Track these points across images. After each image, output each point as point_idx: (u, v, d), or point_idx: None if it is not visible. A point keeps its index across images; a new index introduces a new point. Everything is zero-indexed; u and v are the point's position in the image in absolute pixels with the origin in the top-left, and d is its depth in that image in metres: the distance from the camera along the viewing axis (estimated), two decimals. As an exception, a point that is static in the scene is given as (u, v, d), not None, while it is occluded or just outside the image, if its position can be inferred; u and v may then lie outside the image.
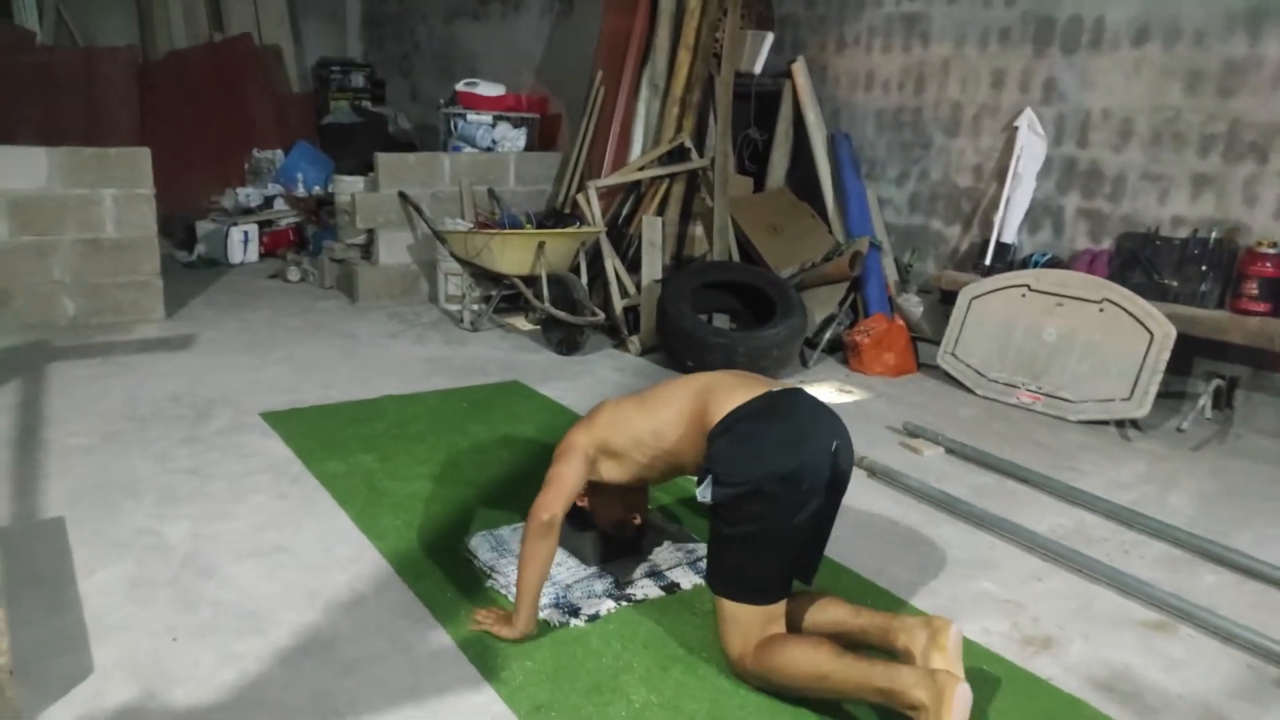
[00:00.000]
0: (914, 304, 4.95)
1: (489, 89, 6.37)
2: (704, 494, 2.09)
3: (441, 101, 6.56)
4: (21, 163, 4.60)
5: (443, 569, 2.52)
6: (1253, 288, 3.84)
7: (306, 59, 9.15)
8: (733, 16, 5.29)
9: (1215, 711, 2.08)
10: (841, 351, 4.83)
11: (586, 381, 4.28)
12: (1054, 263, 4.49)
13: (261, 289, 5.91)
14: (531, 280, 4.78)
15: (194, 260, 6.53)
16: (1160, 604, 2.48)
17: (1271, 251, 3.80)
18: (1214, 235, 4.01)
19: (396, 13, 9.08)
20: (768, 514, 2.01)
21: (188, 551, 2.56)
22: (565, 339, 4.67)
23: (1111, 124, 4.32)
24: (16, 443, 3.25)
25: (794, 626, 2.12)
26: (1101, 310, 4.09)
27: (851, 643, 2.04)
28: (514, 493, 3.00)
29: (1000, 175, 4.70)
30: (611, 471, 2.32)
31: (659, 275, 4.93)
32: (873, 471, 3.31)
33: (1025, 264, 4.57)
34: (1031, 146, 4.58)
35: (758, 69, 5.48)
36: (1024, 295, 4.34)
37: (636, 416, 2.28)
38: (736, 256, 5.16)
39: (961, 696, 1.79)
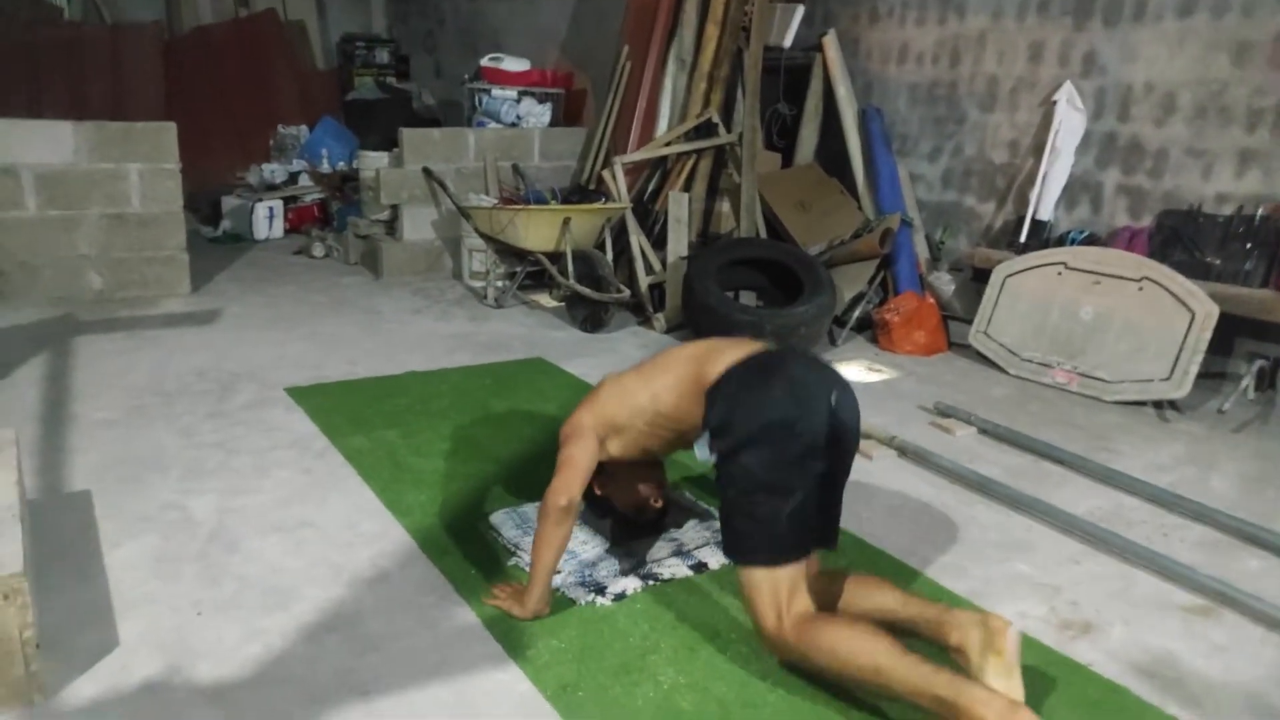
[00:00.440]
0: (945, 282, 4.86)
1: (514, 64, 6.30)
2: (701, 450, 2.06)
3: (466, 77, 6.50)
4: (48, 137, 4.60)
5: (466, 545, 2.49)
6: (1300, 266, 3.72)
7: (331, 35, 9.12)
8: (762, -12, 5.18)
9: (1261, 700, 2.02)
10: (871, 330, 4.75)
11: (610, 359, 4.23)
12: (1091, 240, 4.38)
13: (286, 265, 5.91)
14: (556, 257, 4.73)
15: (219, 236, 6.54)
16: (1202, 588, 2.41)
17: (1320, 228, 3.67)
18: (1260, 212, 3.88)
19: (421, -13, 9.01)
20: (767, 465, 1.96)
21: (213, 526, 2.55)
22: (590, 316, 4.62)
23: (1154, 98, 4.19)
24: (43, 417, 3.26)
25: (833, 606, 2.06)
26: (1141, 289, 3.98)
27: (897, 632, 1.95)
28: (537, 470, 2.95)
29: (1037, 151, 4.58)
30: (619, 447, 2.28)
31: (685, 252, 4.86)
32: (904, 451, 3.24)
33: (1061, 241, 4.46)
34: (1070, 121, 4.45)
35: (787, 43, 5.37)
36: (1060, 273, 4.24)
37: (636, 386, 2.26)
38: (764, 233, 5.08)
39: None
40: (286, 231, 6.68)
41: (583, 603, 2.23)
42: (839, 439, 2.03)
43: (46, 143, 4.59)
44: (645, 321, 4.83)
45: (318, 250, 6.13)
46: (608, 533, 2.52)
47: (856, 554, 2.55)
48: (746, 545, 2.01)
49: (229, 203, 6.71)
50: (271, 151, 7.53)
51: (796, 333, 4.26)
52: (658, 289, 4.89)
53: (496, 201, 5.20)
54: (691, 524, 2.64)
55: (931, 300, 4.67)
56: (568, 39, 7.11)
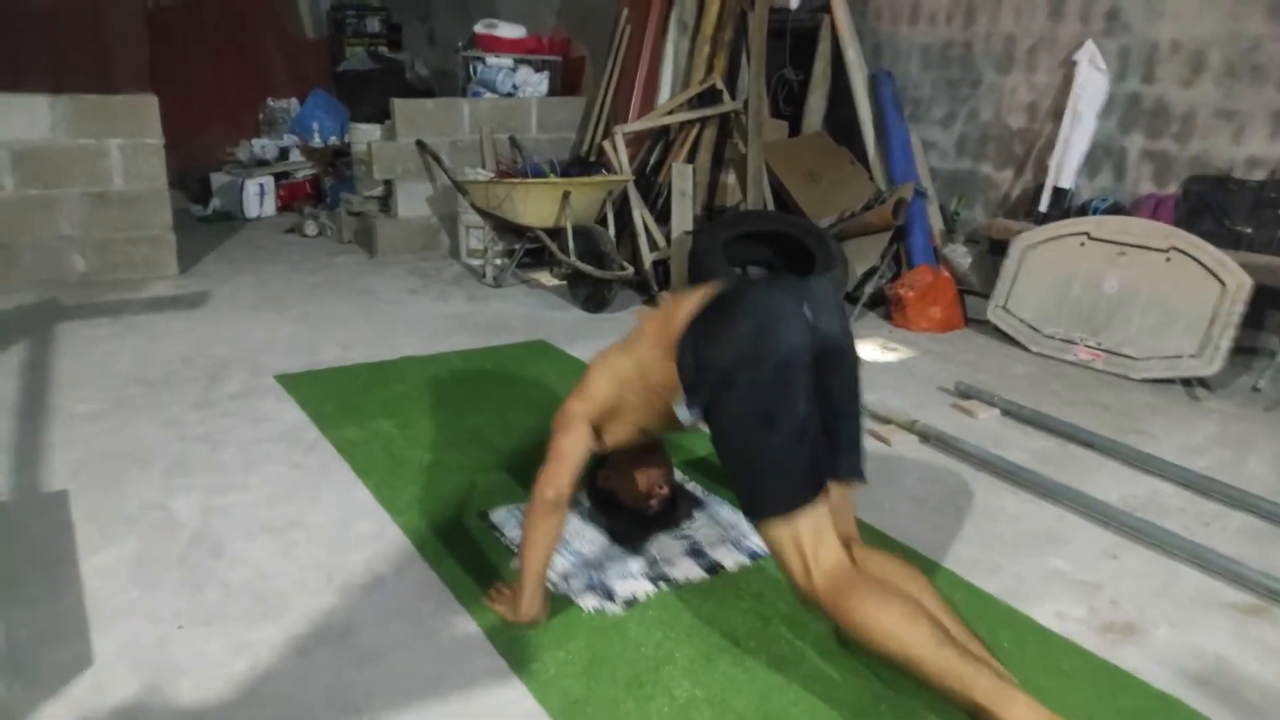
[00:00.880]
0: (961, 254, 4.68)
1: (509, 30, 6.07)
2: (683, 412, 1.92)
3: (460, 45, 6.28)
4: (24, 112, 4.41)
5: (467, 546, 2.34)
6: (1338, 234, 3.54)
7: (321, 2, 8.84)
8: (767, -53, 4.95)
9: (1324, 709, 1.88)
10: (884, 306, 4.58)
11: (615, 340, 4.06)
12: (1115, 209, 4.19)
13: (278, 243, 5.73)
14: (556, 233, 4.55)
15: (209, 214, 6.35)
16: (1251, 584, 2.26)
17: (1361, 194, 3.49)
18: (1295, 177, 3.70)
19: (412, -47, 8.72)
20: (749, 403, 1.82)
21: (197, 527, 2.40)
22: (592, 295, 4.45)
23: (1181, 56, 3.98)
24: (21, 410, 3.10)
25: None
26: (1168, 259, 3.80)
27: None
28: (539, 461, 2.80)
29: (1057, 115, 4.38)
30: (616, 431, 2.12)
31: (690, 226, 4.68)
32: (925, 437, 3.09)
33: (1084, 210, 4.27)
34: (1092, 83, 4.25)
35: (794, 4, 5.15)
36: (1083, 244, 4.06)
37: (620, 359, 2.13)
38: (771, 205, 4.89)
39: None
40: (278, 209, 6.49)
41: (591, 609, 2.09)
42: (825, 352, 1.88)
43: (22, 117, 4.40)
44: (650, 300, 4.66)
45: (310, 228, 5.94)
46: (614, 529, 2.37)
47: (879, 546, 2.40)
48: (755, 502, 1.89)
49: (218, 179, 6.51)
50: (261, 126, 7.32)
51: (808, 310, 4.08)
52: (662, 265, 4.72)
53: (493, 175, 5.01)
54: (703, 518, 2.49)
55: (947, 274, 4.49)
56: (564, 4, 6.87)
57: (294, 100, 7.41)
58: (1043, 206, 4.40)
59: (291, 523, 2.44)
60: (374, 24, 8.59)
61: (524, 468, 2.77)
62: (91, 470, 2.68)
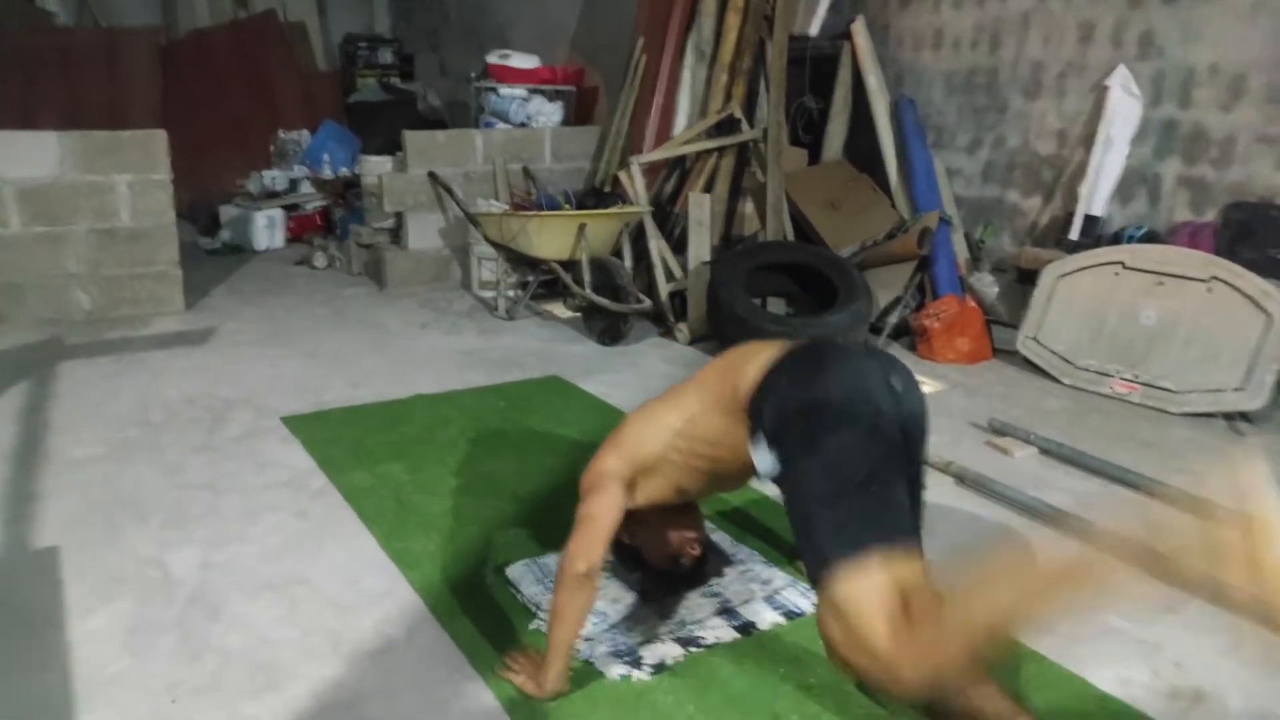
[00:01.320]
0: (988, 284, 4.53)
1: (522, 60, 6.00)
2: (763, 460, 1.78)
3: (472, 75, 6.21)
4: (31, 149, 4.33)
5: (481, 605, 2.19)
6: (1390, 263, 3.38)
7: (332, 35, 8.84)
8: (785, -27, 4.87)
9: None
10: (909, 337, 4.43)
11: (632, 375, 3.94)
12: (1150, 237, 4.04)
13: (287, 276, 5.64)
14: (571, 265, 4.44)
15: (218, 247, 6.28)
16: (1325, 645, 2.09)
17: None
18: (1341, 203, 3.54)
19: (425, -16, 8.72)
20: (846, 450, 1.67)
21: (195, 586, 2.26)
22: (608, 328, 4.32)
23: (1220, 80, 3.85)
24: (16, 456, 2.98)
25: None
26: (1209, 289, 3.65)
27: None
28: (558, 508, 2.65)
29: (1087, 141, 4.25)
30: (651, 490, 2.00)
31: (708, 257, 4.55)
32: (962, 479, 2.93)
33: (1117, 239, 4.12)
34: (1124, 108, 4.11)
35: (813, 31, 5.05)
36: (1118, 273, 3.91)
37: (663, 410, 2.01)
38: (791, 235, 4.76)
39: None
40: (288, 241, 6.41)
41: (617, 677, 1.93)
42: (907, 427, 1.78)
43: (29, 155, 4.32)
44: (667, 332, 4.53)
45: (320, 260, 5.85)
46: (639, 587, 2.23)
47: (922, 606, 2.24)
48: (840, 536, 1.62)
49: (228, 212, 6.45)
50: (272, 157, 7.26)
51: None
52: (679, 297, 4.59)
53: (507, 207, 4.90)
54: (733, 573, 2.34)
55: (973, 304, 4.34)
56: (578, 33, 6.81)
57: (305, 132, 7.36)
58: (1073, 234, 4.25)
59: (295, 579, 2.30)
60: (386, 55, 8.57)
61: (541, 514, 2.64)
62: (85, 523, 2.55)
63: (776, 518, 2.65)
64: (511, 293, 4.84)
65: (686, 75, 5.16)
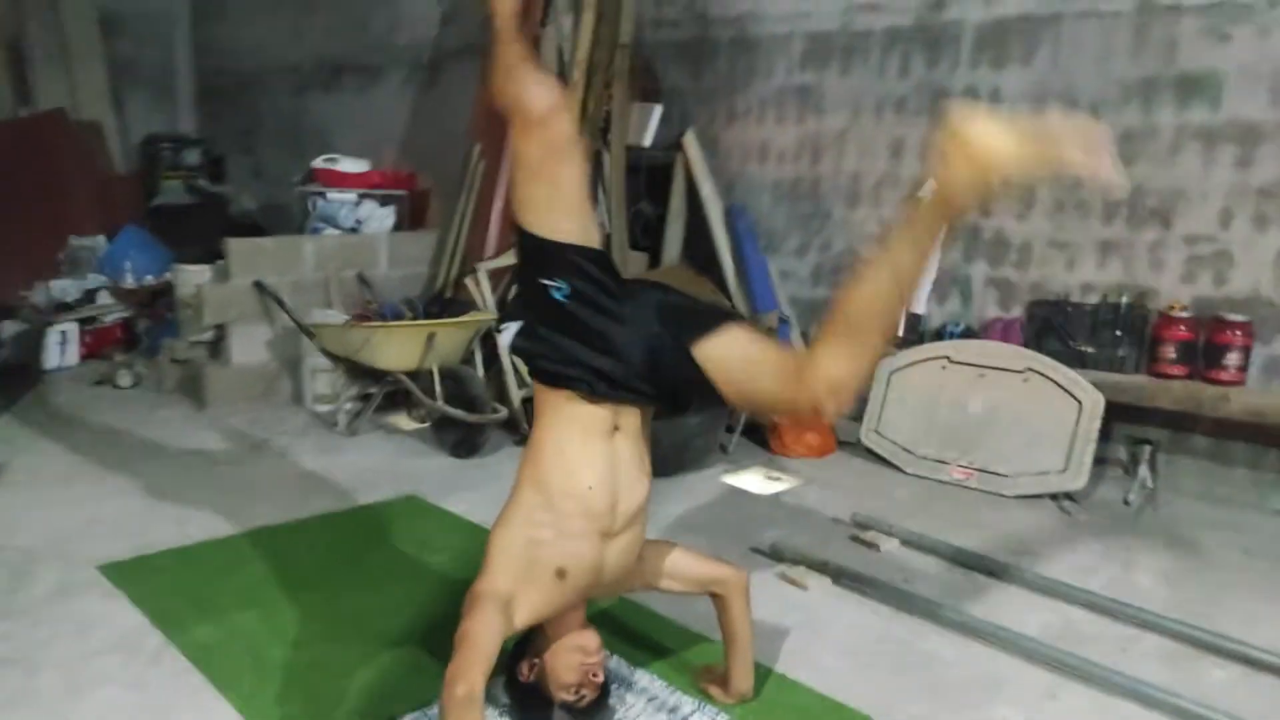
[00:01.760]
0: (827, 380, 4.75)
1: (351, 165, 5.84)
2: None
3: (297, 179, 5.97)
4: None
5: (370, 773, 1.97)
6: (1170, 351, 3.84)
7: (131, 135, 8.28)
8: (619, 89, 5.05)
9: None
10: (759, 433, 4.55)
11: (494, 489, 3.73)
12: (968, 333, 4.40)
13: (86, 398, 5.07)
14: (417, 375, 4.26)
15: (-1, 367, 5.57)
16: (1187, 716, 2.25)
17: (1184, 315, 3.81)
18: (1124, 300, 4.00)
19: (235, 85, 8.39)
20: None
21: (12, 790, 1.90)
22: (463, 440, 4.15)
23: (1014, 193, 4.30)
24: None
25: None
26: (1025, 380, 4.00)
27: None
28: (441, 647, 2.45)
29: (905, 245, 4.60)
30: (535, 597, 1.90)
31: (559, 363, 4.51)
32: (838, 577, 2.98)
33: (939, 335, 4.46)
34: (935, 216, 4.50)
35: (647, 142, 5.24)
36: (944, 367, 4.22)
37: (514, 506, 1.99)
38: (639, 338, 4.81)
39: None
40: (83, 358, 5.79)
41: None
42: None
43: None
44: (522, 440, 4.41)
45: (124, 379, 5.32)
46: (547, 733, 2.08)
47: (828, 716, 2.23)
48: (695, 323, 1.93)
49: (8, 328, 5.77)
50: (62, 266, 6.60)
51: (692, 445, 3.99)
52: (532, 403, 4.49)
53: (346, 317, 4.67)
54: (638, 703, 2.24)
55: (817, 399, 4.53)
56: (406, 137, 6.74)
57: (101, 238, 6.76)
58: (900, 332, 4.56)
59: (141, 766, 1.98)
60: (193, 156, 8.09)
61: (421, 656, 2.44)
62: None
63: (662, 630, 2.58)
64: (350, 405, 4.58)
65: (526, 182, 5.18)
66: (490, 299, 4.65)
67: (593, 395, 1.92)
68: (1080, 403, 3.83)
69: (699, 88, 5.40)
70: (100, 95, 8.06)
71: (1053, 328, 4.18)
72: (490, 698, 1.90)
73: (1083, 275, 4.16)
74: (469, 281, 4.72)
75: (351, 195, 5.70)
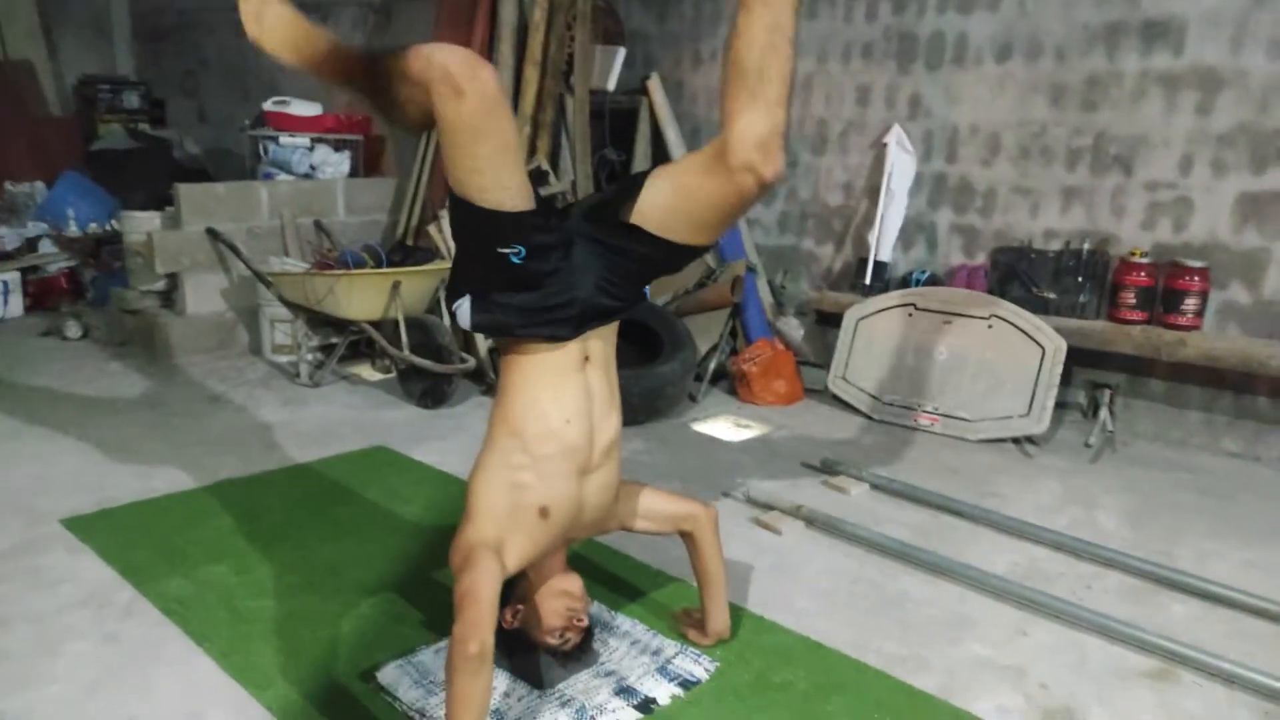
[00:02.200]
0: (794, 327, 4.78)
1: (304, 108, 5.64)
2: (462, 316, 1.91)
3: (247, 123, 5.76)
4: None
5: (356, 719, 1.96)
6: (1130, 297, 3.91)
7: (66, 77, 7.90)
8: (581, 30, 4.93)
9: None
10: (726, 381, 4.57)
11: (462, 439, 3.75)
12: (933, 280, 4.44)
13: (33, 350, 4.90)
14: (380, 325, 4.19)
15: (-63, 319, 5.36)
16: (1151, 648, 2.33)
17: (1144, 261, 3.88)
18: (1086, 246, 4.06)
19: (176, 25, 8.02)
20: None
21: (-13, 747, 1.85)
22: (430, 390, 4.10)
23: (979, 139, 4.32)
24: None
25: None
26: (990, 326, 4.05)
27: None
28: (418, 596, 2.47)
29: (871, 193, 4.61)
30: (524, 540, 1.90)
31: (526, 311, 4.45)
32: (811, 521, 3.02)
33: (906, 282, 4.49)
34: (901, 163, 4.51)
35: (610, 86, 5.15)
36: (910, 314, 4.25)
37: (491, 450, 1.97)
38: (605, 286, 4.77)
39: None
40: (27, 309, 5.59)
41: (527, 783, 1.79)
42: None
43: None
44: (489, 390, 4.37)
45: (72, 330, 5.14)
46: (534, 675, 2.08)
47: (807, 655, 2.27)
48: (616, 200, 1.92)
49: (-54, 278, 5.53)
50: (0, 214, 6.33)
51: (663, 393, 3.98)
52: (498, 353, 4.45)
53: (307, 266, 4.55)
54: (621, 646, 2.25)
55: (784, 348, 4.56)
56: (359, 81, 6.51)
57: (40, 184, 6.49)
58: (867, 279, 4.58)
59: (120, 721, 1.94)
60: (132, 99, 7.78)
61: (399, 604, 2.43)
62: None
63: (639, 575, 2.60)
64: (312, 356, 4.48)
65: (488, 127, 5.06)
66: (453, 246, 4.55)
67: (565, 338, 1.90)
68: (1043, 348, 3.90)
69: (663, 31, 5.30)
70: (30, 33, 7.67)
71: (1016, 274, 4.23)
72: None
73: (1046, 222, 4.20)
74: (431, 229, 4.62)
75: (304, 140, 5.52)
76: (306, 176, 5.42)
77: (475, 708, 1.67)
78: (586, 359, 1.95)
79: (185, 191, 4.82)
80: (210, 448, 3.55)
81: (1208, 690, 2.20)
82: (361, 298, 4.02)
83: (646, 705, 2.04)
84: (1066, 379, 4.12)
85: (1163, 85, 3.83)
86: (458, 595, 1.74)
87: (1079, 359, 4.07)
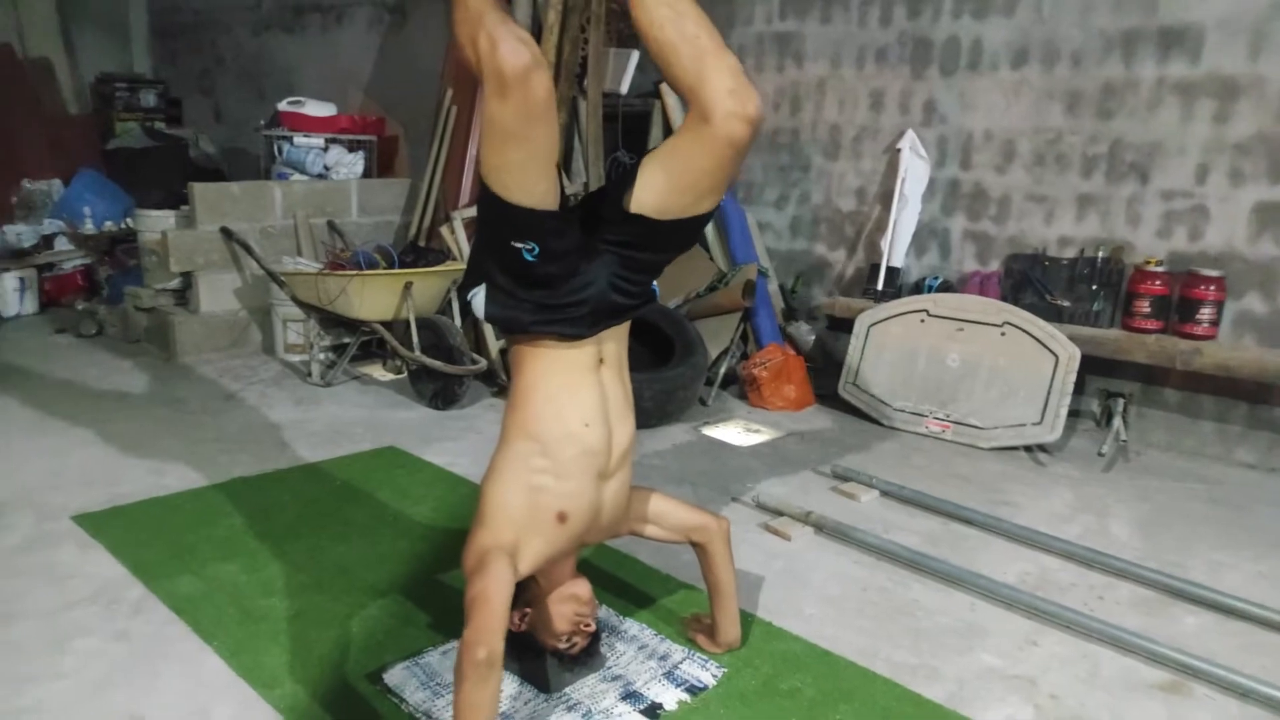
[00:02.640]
0: (805, 332, 4.77)
1: (318, 108, 5.67)
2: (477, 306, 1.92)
3: (261, 123, 5.79)
4: None
5: (363, 722, 1.97)
6: (1144, 306, 3.88)
7: (84, 75, 7.96)
8: (595, 33, 4.93)
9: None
10: (736, 385, 4.56)
11: (474, 440, 3.75)
12: (945, 286, 4.42)
13: (49, 347, 4.94)
14: (392, 325, 4.19)
15: (-46, 316, 5.40)
16: (1163, 660, 2.32)
17: (1160, 269, 3.86)
18: (1101, 254, 4.04)
19: (193, 24, 8.08)
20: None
21: (-4, 743, 1.86)
22: (441, 391, 4.11)
23: (994, 145, 4.30)
24: None
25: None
26: (1003, 334, 4.03)
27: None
28: (426, 598, 2.47)
29: (884, 198, 4.59)
30: (538, 544, 1.89)
31: (537, 313, 4.45)
32: (821, 527, 3.01)
33: (918, 288, 4.48)
34: (915, 168, 4.49)
35: (623, 89, 5.14)
36: (923, 321, 4.23)
37: (507, 453, 1.96)
38: (617, 289, 4.77)
39: None
40: (43, 306, 5.63)
41: (533, 788, 1.78)
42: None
43: None
44: (500, 392, 4.38)
45: (87, 327, 5.18)
46: (541, 680, 2.08)
47: (815, 662, 2.26)
48: (615, 192, 1.89)
49: (-40, 275, 5.57)
50: (16, 211, 6.38)
51: (675, 396, 3.98)
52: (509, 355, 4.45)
53: (320, 266, 4.56)
54: (628, 651, 2.25)
55: (795, 353, 4.54)
56: (373, 80, 6.55)
57: (56, 181, 6.54)
58: (879, 285, 4.56)
59: (128, 718, 1.95)
60: (149, 98, 7.82)
61: (407, 609, 2.42)
62: None
63: (648, 580, 2.60)
64: (324, 356, 4.50)
65: (501, 129, 5.07)
66: (466, 248, 4.57)
67: (578, 336, 1.89)
68: (1056, 356, 3.87)
69: (678, 34, 5.29)
70: (49, 31, 7.72)
71: (1030, 281, 4.21)
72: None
73: (1060, 229, 4.18)
74: (444, 230, 4.63)
75: (319, 140, 5.55)
76: (320, 177, 5.45)
77: (482, 715, 1.67)
78: (601, 361, 1.95)
79: (200, 191, 4.85)
80: (222, 446, 3.57)
81: (1220, 703, 2.17)
82: (373, 298, 4.03)
83: (653, 710, 2.03)
84: (1080, 387, 4.10)
85: (1179, 93, 3.80)
86: (469, 599, 1.74)
87: (1093, 367, 4.04)
